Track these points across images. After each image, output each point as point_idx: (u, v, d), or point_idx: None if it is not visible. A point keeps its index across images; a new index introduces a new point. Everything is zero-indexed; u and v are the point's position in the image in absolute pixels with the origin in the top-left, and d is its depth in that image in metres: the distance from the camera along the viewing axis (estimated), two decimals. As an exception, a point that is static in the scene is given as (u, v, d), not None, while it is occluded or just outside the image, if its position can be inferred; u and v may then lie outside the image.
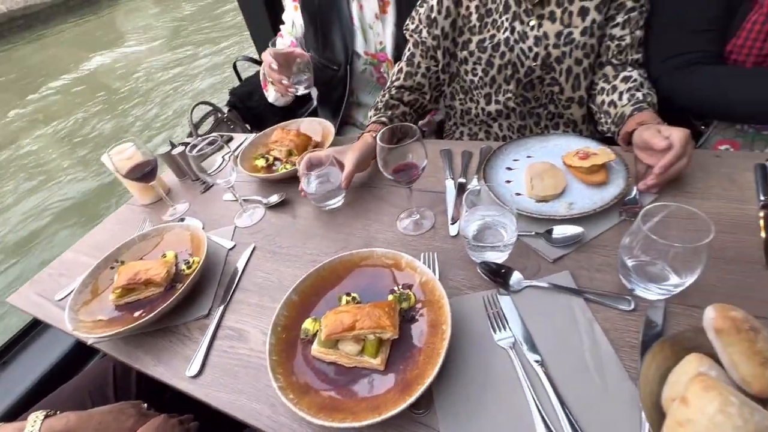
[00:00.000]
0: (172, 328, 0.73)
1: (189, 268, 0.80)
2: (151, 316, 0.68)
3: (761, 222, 0.62)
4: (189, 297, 0.76)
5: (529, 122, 1.02)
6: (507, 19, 0.90)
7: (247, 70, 1.69)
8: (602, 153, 0.75)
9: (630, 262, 0.56)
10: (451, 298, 0.64)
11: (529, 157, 0.87)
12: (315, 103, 1.54)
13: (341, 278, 0.68)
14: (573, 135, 0.91)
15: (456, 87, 1.05)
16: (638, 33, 0.86)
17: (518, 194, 0.78)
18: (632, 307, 0.56)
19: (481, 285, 0.65)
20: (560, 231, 0.68)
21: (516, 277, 0.63)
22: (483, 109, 1.03)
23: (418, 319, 0.60)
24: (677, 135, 0.68)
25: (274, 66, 1.05)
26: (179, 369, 0.66)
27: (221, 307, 0.73)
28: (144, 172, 0.97)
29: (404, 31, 1.04)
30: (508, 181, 0.82)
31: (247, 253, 0.84)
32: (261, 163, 1.07)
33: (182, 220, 0.98)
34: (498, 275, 0.63)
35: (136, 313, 0.74)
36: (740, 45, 0.82)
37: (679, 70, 0.86)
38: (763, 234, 0.60)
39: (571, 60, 0.89)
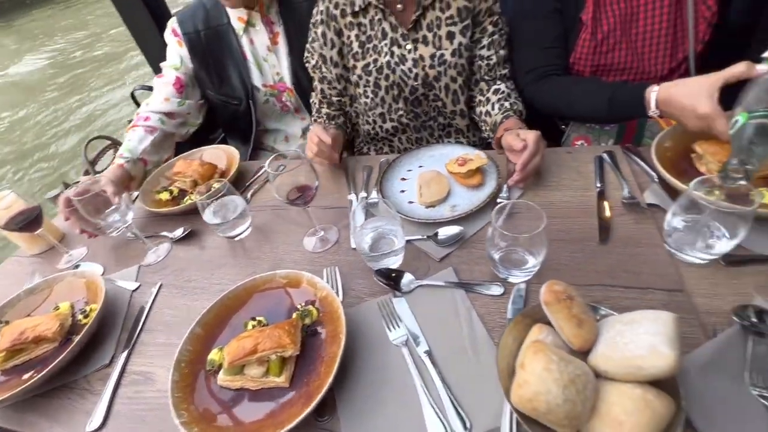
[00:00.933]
0: (70, 383, 0.69)
1: (86, 317, 0.76)
2: (41, 375, 0.64)
3: (596, 206, 0.75)
4: (88, 347, 0.72)
5: (424, 134, 1.12)
6: (386, 44, 0.98)
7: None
8: (477, 158, 0.86)
9: (496, 254, 0.65)
10: (353, 306, 0.69)
11: (420, 166, 0.95)
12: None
13: (246, 304, 0.70)
14: (456, 144, 1.02)
15: (357, 108, 1.12)
16: (502, 52, 1.00)
17: (411, 202, 0.86)
18: (502, 291, 0.65)
19: (379, 291, 0.71)
20: (444, 232, 0.76)
21: (407, 279, 0.69)
22: (381, 127, 1.11)
23: (321, 332, 0.64)
24: (530, 136, 0.80)
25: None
26: (79, 426, 0.63)
27: (125, 353, 0.71)
28: (27, 221, 0.90)
29: (306, 65, 1.11)
30: (403, 191, 0.89)
31: (153, 291, 0.82)
32: (165, 196, 1.04)
33: (77, 267, 0.93)
34: (391, 279, 0.69)
35: (26, 375, 0.69)
36: (578, 58, 0.98)
37: (536, 81, 1.01)
38: (597, 216, 0.74)
39: (447, 78, 1.00)
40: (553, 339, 0.51)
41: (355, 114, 1.14)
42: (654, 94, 0.76)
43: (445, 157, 0.93)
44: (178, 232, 0.94)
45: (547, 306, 0.50)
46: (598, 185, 0.79)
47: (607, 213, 0.73)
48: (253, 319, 0.67)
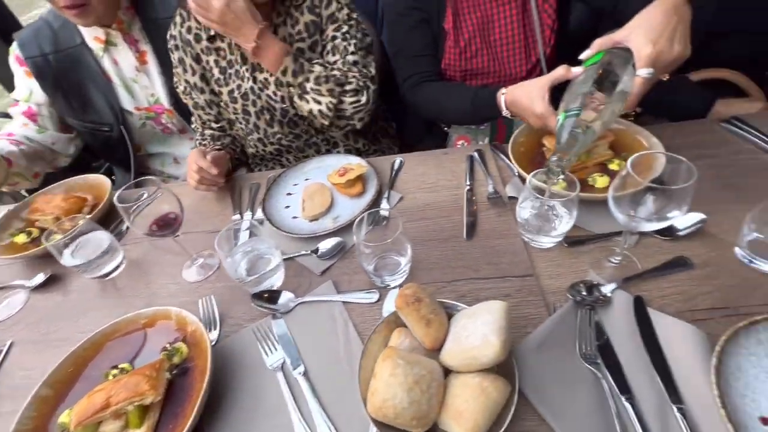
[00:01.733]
0: None
1: None
2: None
3: (464, 203, 0.81)
4: None
5: (311, 152, 1.11)
6: (247, 69, 0.96)
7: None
8: (357, 167, 0.87)
9: (366, 264, 0.66)
10: (230, 336, 0.66)
11: (307, 179, 0.95)
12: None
13: (105, 352, 0.64)
14: (340, 154, 1.03)
15: (238, 132, 1.09)
16: (350, 57, 0.95)
17: (295, 217, 0.85)
18: (377, 298, 0.67)
19: (259, 315, 0.69)
20: (325, 245, 0.76)
21: (285, 298, 0.68)
22: (264, 150, 1.09)
23: (190, 370, 0.60)
24: None
25: None
26: None
27: (-40, 432, 0.61)
28: None
29: (177, 89, 1.05)
30: (288, 207, 0.88)
31: (1, 352, 0.71)
32: (21, 239, 0.92)
33: None
34: (269, 301, 0.68)
35: None
36: (448, 64, 1.04)
37: (412, 88, 1.05)
38: (465, 212, 0.79)
39: None
40: (411, 341, 0.53)
41: (239, 135, 1.11)
42: (503, 96, 0.83)
43: (330, 168, 0.93)
44: (37, 279, 0.83)
45: (399, 310, 0.52)
46: (468, 183, 0.85)
47: (471, 209, 0.78)
48: (115, 367, 0.61)
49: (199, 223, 0.90)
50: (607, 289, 0.60)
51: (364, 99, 0.96)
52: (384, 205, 0.83)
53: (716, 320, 0.55)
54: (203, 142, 1.09)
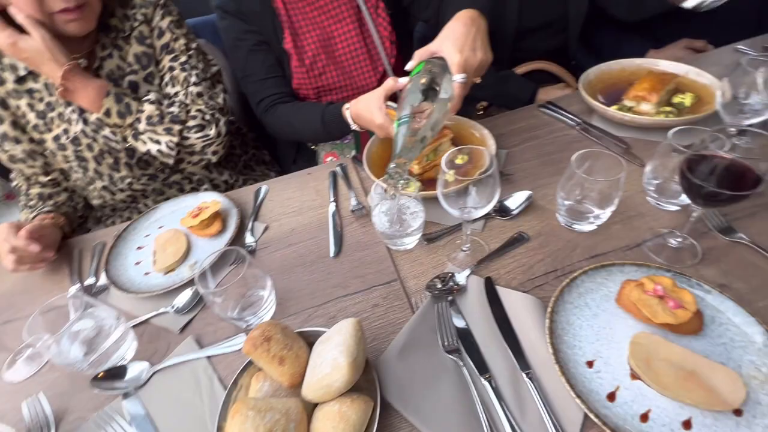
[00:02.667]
0: None
1: None
2: None
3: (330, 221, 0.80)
4: None
5: (172, 192, 1.02)
6: (74, 111, 0.85)
7: None
8: (212, 204, 0.81)
9: (227, 313, 0.61)
10: (69, 435, 0.55)
11: (161, 227, 0.85)
12: None
13: None
14: (198, 192, 0.93)
15: (76, 183, 0.94)
16: (193, 89, 0.90)
17: (147, 273, 0.75)
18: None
19: (109, 399, 0.59)
20: (183, 297, 0.69)
21: (134, 371, 0.59)
22: (113, 199, 0.96)
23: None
24: None
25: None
26: None
27: None
28: None
29: None
30: (138, 263, 0.78)
31: None
32: None
33: None
34: (113, 378, 0.58)
35: None
36: (299, 83, 1.04)
37: (266, 111, 1.03)
38: (330, 230, 0.78)
39: None
40: (271, 384, 0.49)
41: (79, 186, 0.96)
42: (347, 111, 0.85)
43: (185, 211, 0.85)
44: None
45: (248, 355, 0.48)
46: (332, 200, 0.84)
47: (336, 225, 0.78)
48: None
49: (24, 307, 0.75)
50: (461, 276, 0.64)
51: (213, 132, 0.91)
52: (248, 238, 0.79)
53: (550, 283, 0.62)
54: (29, 204, 0.92)
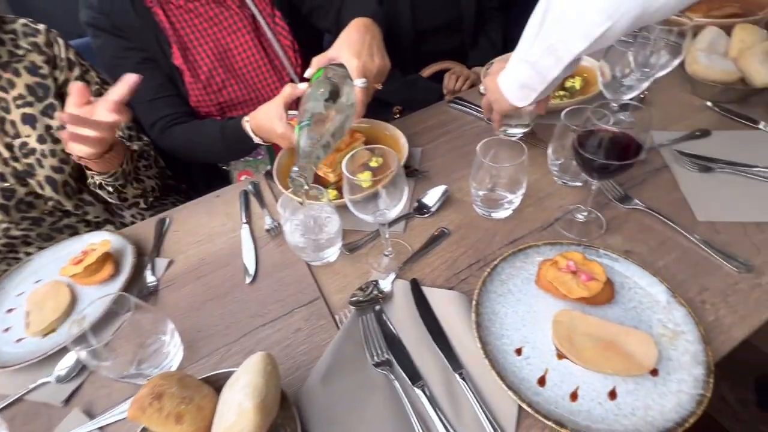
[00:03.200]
0: None
1: None
2: None
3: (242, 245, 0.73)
4: None
5: (63, 236, 0.88)
6: None
7: None
8: (100, 245, 0.69)
9: (120, 375, 0.52)
10: None
11: (38, 281, 0.72)
12: None
13: None
14: (82, 235, 0.79)
15: None
16: None
17: (20, 340, 0.63)
18: (146, 401, 0.53)
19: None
20: (66, 362, 0.58)
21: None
22: None
23: None
24: None
25: None
26: None
27: None
28: None
29: None
30: (8, 329, 0.65)
31: None
32: None
33: None
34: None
35: None
36: (197, 101, 0.95)
37: (161, 133, 0.92)
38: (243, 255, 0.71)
39: (47, 170, 0.80)
40: (172, 447, 0.42)
41: None
42: (247, 124, 0.79)
43: (68, 258, 0.73)
44: None
45: (136, 422, 0.40)
46: (244, 221, 0.77)
47: (250, 248, 0.71)
48: None
49: None
50: (386, 283, 0.61)
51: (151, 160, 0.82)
52: (149, 278, 0.69)
53: (474, 275, 0.61)
54: None
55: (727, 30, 0.88)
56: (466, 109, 0.97)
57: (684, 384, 0.45)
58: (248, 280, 0.66)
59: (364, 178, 0.78)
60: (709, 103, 0.85)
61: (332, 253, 0.66)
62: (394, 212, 0.57)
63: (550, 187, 0.74)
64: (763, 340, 1.18)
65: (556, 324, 0.50)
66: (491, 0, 1.31)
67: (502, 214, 0.69)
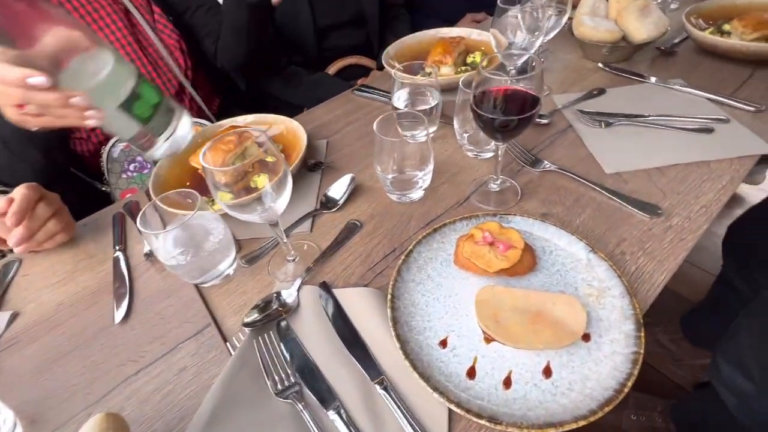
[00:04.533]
0: None
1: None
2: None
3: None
4: None
5: None
6: None
7: None
8: None
9: None
10: None
11: None
12: None
13: None
14: None
15: None
16: None
17: None
18: None
19: None
20: None
21: None
22: None
23: None
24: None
25: None
26: None
27: None
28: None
29: None
30: None
31: None
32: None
33: None
34: None
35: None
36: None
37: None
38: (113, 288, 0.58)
39: None
40: None
41: None
42: None
43: None
44: None
45: None
46: (118, 248, 0.63)
47: (122, 279, 0.58)
48: None
49: None
50: (290, 292, 0.51)
51: None
52: (-18, 341, 0.53)
53: (391, 266, 0.54)
54: None
55: (605, -6, 0.91)
56: (371, 95, 0.92)
57: (617, 344, 0.41)
58: (118, 319, 0.53)
59: (261, 181, 0.69)
60: (600, 64, 0.87)
61: (225, 269, 0.55)
62: (280, 204, 0.48)
63: (462, 162, 0.69)
64: (680, 284, 1.26)
65: (479, 303, 0.44)
66: None
67: (416, 195, 0.63)
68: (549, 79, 0.87)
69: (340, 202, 0.64)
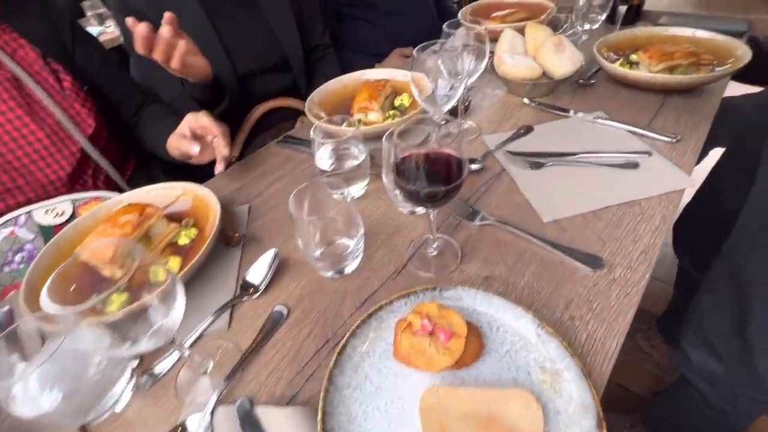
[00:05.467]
0: None
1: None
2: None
3: None
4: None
5: None
6: None
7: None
8: None
9: None
10: None
11: None
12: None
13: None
14: None
15: None
16: None
17: None
18: None
19: None
20: None
21: None
22: None
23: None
24: None
25: None
26: None
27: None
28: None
29: None
30: None
31: None
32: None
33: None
34: None
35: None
36: None
37: None
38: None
39: None
40: None
41: None
42: None
43: None
44: None
45: None
46: None
47: None
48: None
49: None
50: (199, 422, 0.42)
51: None
52: None
53: (323, 364, 0.46)
54: None
55: (521, 32, 0.92)
56: (298, 146, 0.85)
57: (579, 441, 0.36)
58: None
59: (173, 262, 0.60)
60: (525, 100, 0.87)
61: (115, 399, 0.44)
62: (173, 320, 0.39)
63: (397, 220, 0.64)
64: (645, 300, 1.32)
65: (424, 411, 0.38)
66: (321, 37, 1.24)
67: (352, 266, 0.56)
68: (478, 117, 0.86)
69: (262, 288, 0.55)
